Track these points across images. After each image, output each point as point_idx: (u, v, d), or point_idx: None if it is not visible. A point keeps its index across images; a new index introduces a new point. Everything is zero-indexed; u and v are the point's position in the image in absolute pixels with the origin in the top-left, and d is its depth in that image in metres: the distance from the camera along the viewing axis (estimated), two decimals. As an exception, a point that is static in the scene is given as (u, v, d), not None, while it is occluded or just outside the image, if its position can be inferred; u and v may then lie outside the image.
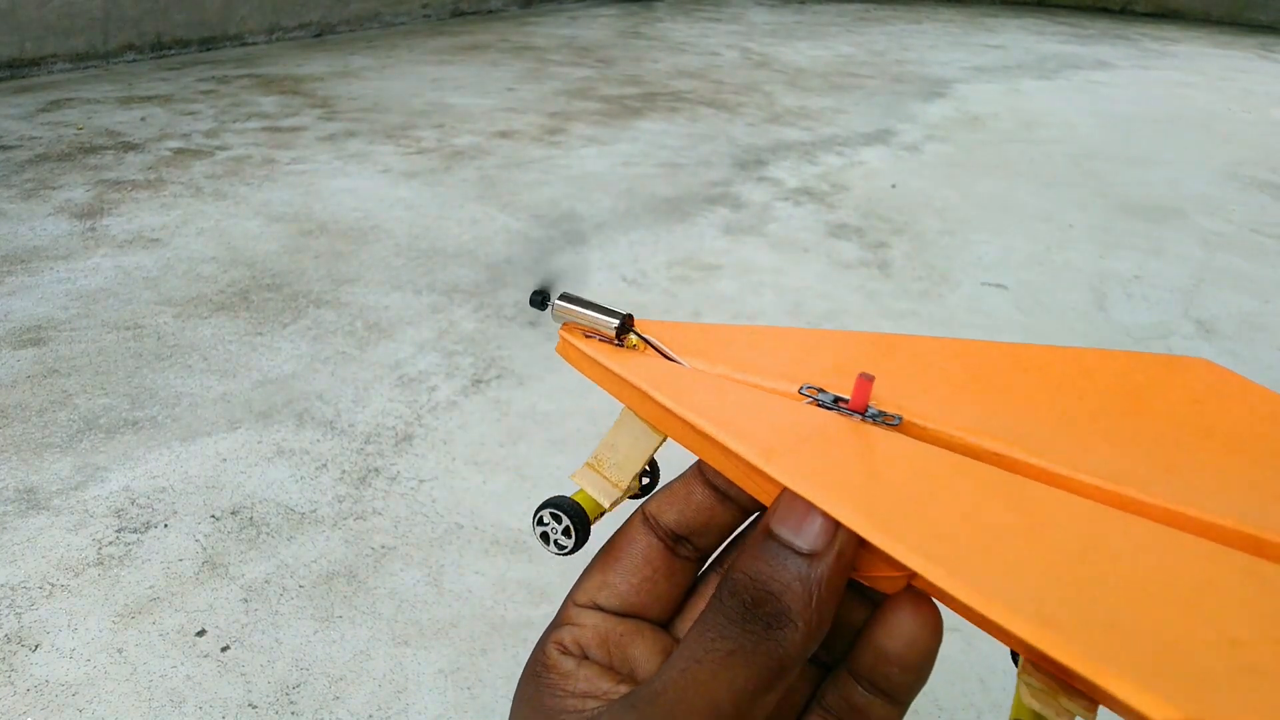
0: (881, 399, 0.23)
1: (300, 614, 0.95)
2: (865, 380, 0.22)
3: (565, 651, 0.22)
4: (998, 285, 1.82)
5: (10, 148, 2.33)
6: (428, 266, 1.78)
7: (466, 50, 3.82)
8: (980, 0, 5.99)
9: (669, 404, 0.23)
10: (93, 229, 1.87)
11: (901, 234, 2.05)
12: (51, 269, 1.70)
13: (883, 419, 0.22)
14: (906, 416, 0.22)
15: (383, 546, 1.05)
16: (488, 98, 3.04)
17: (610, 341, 0.26)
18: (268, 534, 1.07)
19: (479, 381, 1.40)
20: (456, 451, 1.23)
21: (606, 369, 0.25)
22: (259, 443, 1.23)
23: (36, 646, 0.90)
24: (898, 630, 0.19)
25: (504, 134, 2.63)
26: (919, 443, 0.22)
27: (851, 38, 4.49)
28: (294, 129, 2.60)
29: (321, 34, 4.04)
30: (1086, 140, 2.85)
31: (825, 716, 0.21)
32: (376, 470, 1.18)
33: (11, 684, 0.86)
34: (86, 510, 1.09)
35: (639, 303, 1.67)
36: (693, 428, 0.22)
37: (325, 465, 1.19)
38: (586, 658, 0.22)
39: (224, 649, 0.91)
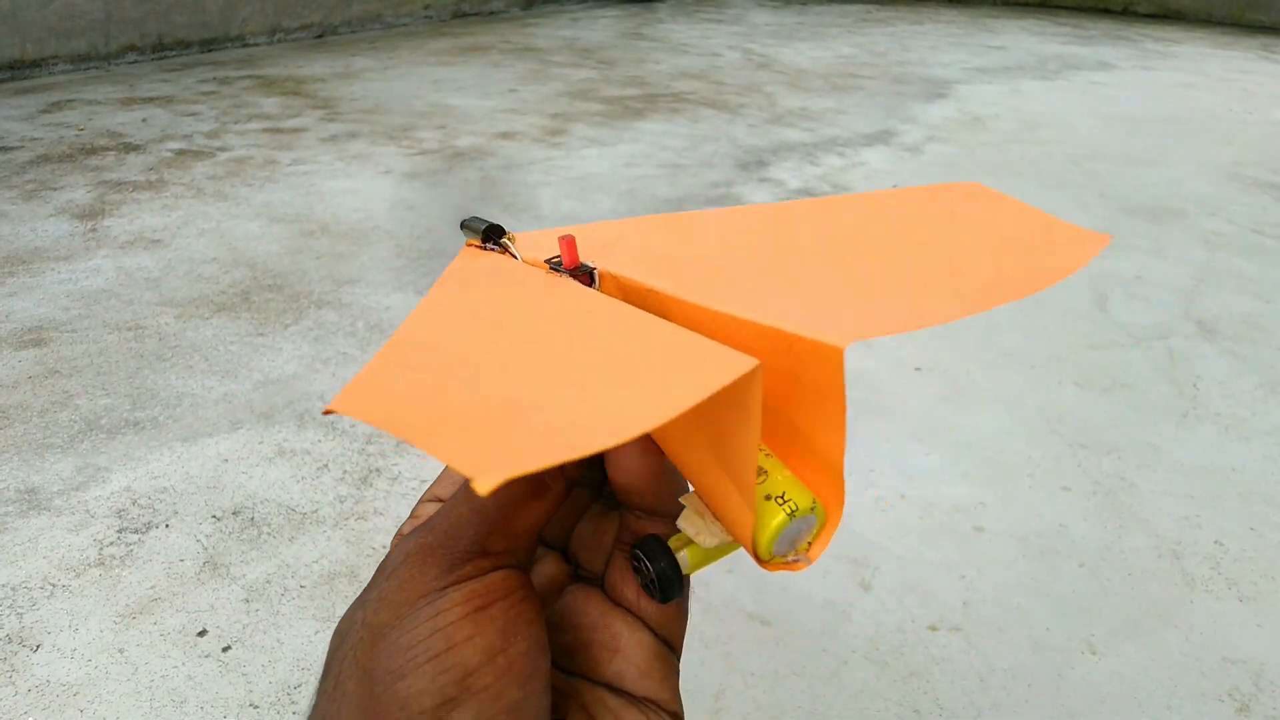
0: (611, 259, 0.27)
1: (302, 614, 0.95)
2: (566, 240, 0.27)
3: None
4: (999, 286, 1.81)
5: (11, 149, 2.34)
6: (429, 267, 1.78)
7: (468, 51, 3.83)
8: (982, 1, 5.99)
9: (436, 286, 0.28)
10: (94, 230, 1.88)
11: (903, 235, 2.04)
12: (53, 270, 1.70)
13: (583, 272, 0.27)
14: (602, 269, 0.26)
15: (384, 547, 1.05)
16: (489, 99, 3.04)
17: (480, 248, 0.31)
18: (269, 534, 1.07)
19: (480, 382, 1.40)
20: (457, 452, 1.23)
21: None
22: (260, 443, 1.23)
23: (38, 647, 0.90)
24: (616, 465, 0.23)
25: (506, 135, 2.64)
26: (580, 291, 0.25)
27: (853, 39, 4.49)
28: (296, 130, 2.60)
29: (323, 35, 4.04)
30: (1088, 141, 2.85)
31: (623, 547, 0.25)
32: (378, 470, 1.19)
33: (13, 684, 0.86)
34: (88, 511, 1.09)
35: (640, 303, 1.67)
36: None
37: (327, 466, 1.19)
38: None
39: (225, 649, 0.91)
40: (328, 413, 0.20)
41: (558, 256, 0.27)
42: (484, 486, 0.15)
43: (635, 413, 0.18)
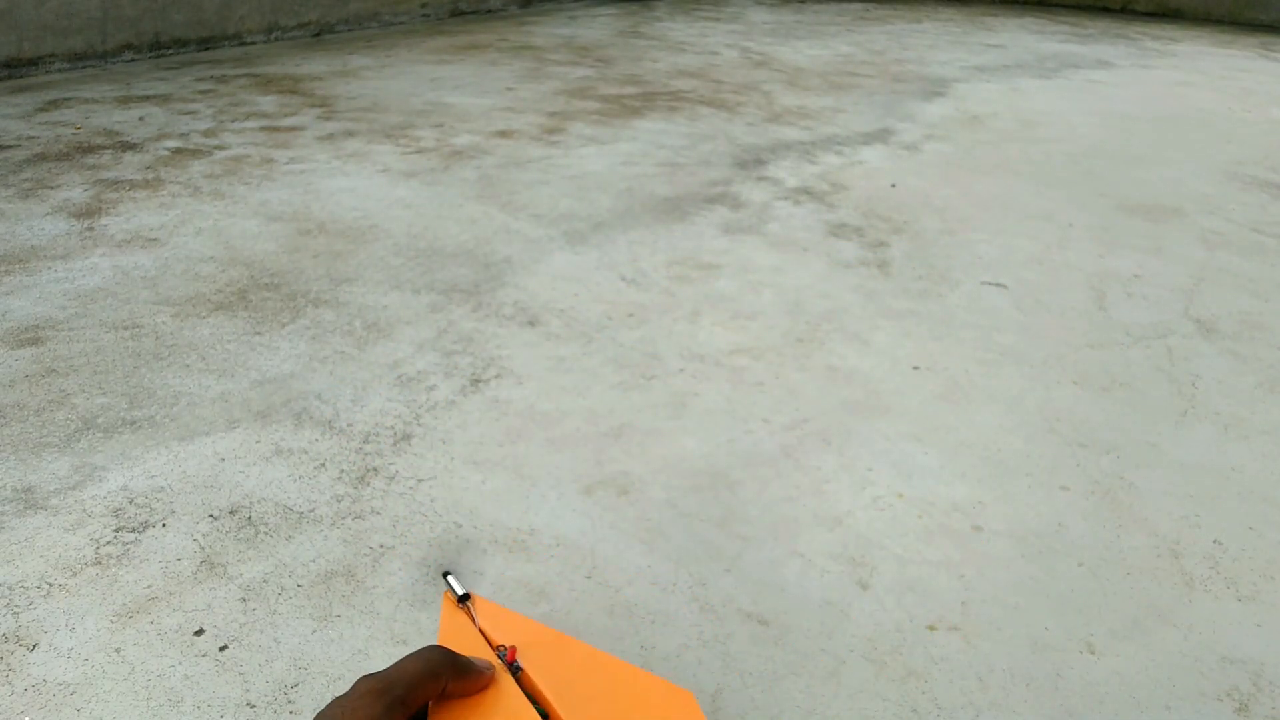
0: (531, 661, 0.42)
1: (299, 613, 0.95)
2: (511, 649, 0.42)
3: None
4: (997, 284, 1.82)
5: (8, 147, 2.33)
6: (426, 266, 1.77)
7: (465, 50, 3.82)
8: None
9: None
10: (91, 229, 1.87)
11: (901, 233, 2.04)
12: (49, 269, 1.69)
13: (515, 666, 0.42)
14: (525, 668, 0.42)
15: (381, 546, 1.05)
16: (487, 97, 3.03)
17: (455, 604, 0.47)
18: (266, 533, 1.06)
19: (478, 381, 1.39)
20: (455, 451, 1.23)
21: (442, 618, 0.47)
22: (257, 442, 1.23)
23: (34, 646, 0.90)
24: None
25: (503, 133, 2.63)
26: (509, 690, 0.40)
27: (851, 37, 4.49)
28: (292, 128, 2.60)
29: (320, 33, 4.03)
30: (1086, 139, 2.85)
31: None
32: (375, 470, 1.18)
33: (10, 683, 0.86)
34: (84, 510, 1.09)
35: (638, 302, 1.67)
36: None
37: (324, 465, 1.19)
38: None
39: (222, 648, 0.91)
40: None
41: (502, 647, 0.42)
42: None
43: None
